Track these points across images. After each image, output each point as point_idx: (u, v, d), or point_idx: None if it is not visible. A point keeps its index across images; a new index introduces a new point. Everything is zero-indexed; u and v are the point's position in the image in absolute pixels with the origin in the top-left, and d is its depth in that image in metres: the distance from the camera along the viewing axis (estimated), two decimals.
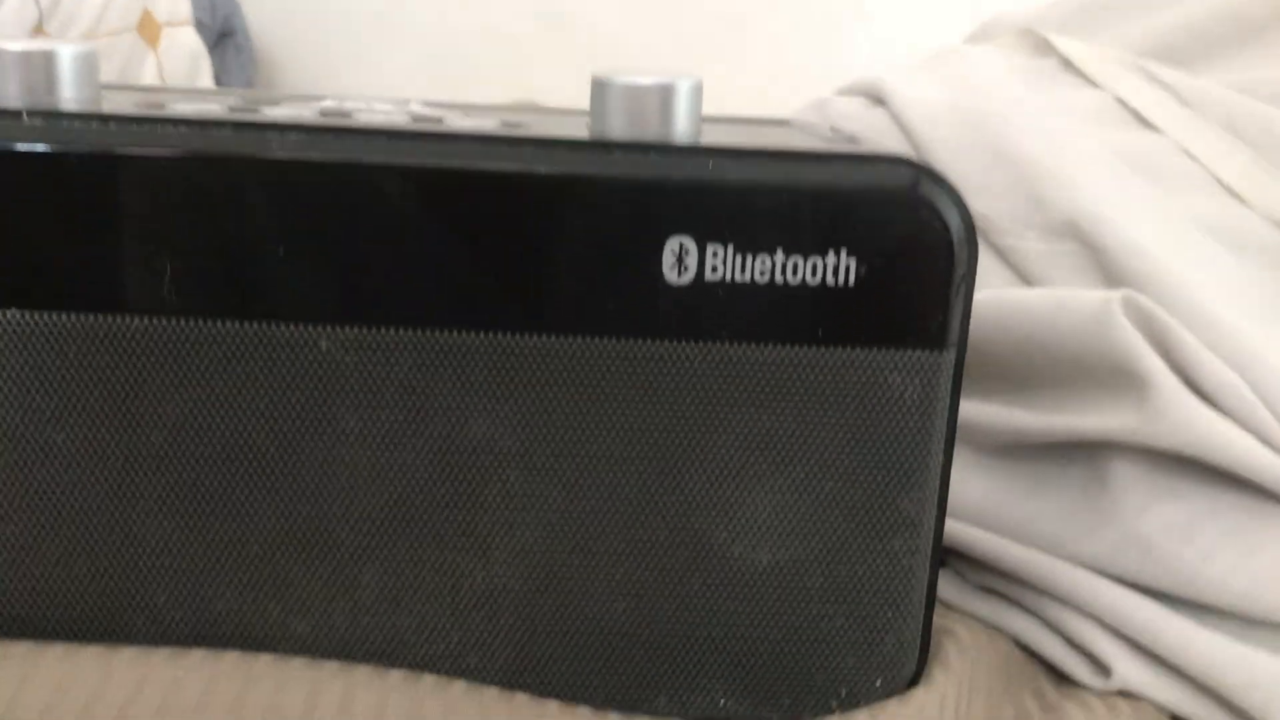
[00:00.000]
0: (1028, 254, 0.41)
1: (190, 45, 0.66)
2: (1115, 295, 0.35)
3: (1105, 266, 0.39)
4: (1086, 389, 0.36)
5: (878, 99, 0.53)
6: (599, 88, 0.30)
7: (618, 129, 0.30)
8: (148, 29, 0.58)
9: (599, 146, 0.28)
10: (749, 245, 0.28)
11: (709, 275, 0.28)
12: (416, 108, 0.32)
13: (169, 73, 0.63)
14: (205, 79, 0.71)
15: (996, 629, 0.36)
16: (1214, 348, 0.34)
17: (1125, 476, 0.35)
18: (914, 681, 0.31)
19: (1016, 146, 0.44)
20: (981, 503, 0.37)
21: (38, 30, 0.49)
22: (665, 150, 0.28)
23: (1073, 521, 0.36)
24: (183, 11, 0.66)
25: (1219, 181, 0.43)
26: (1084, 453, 0.36)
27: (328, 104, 0.31)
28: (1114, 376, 0.35)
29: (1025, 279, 0.41)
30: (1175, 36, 0.51)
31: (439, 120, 0.30)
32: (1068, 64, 0.52)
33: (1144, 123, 0.47)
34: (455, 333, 0.28)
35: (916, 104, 0.49)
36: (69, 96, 0.30)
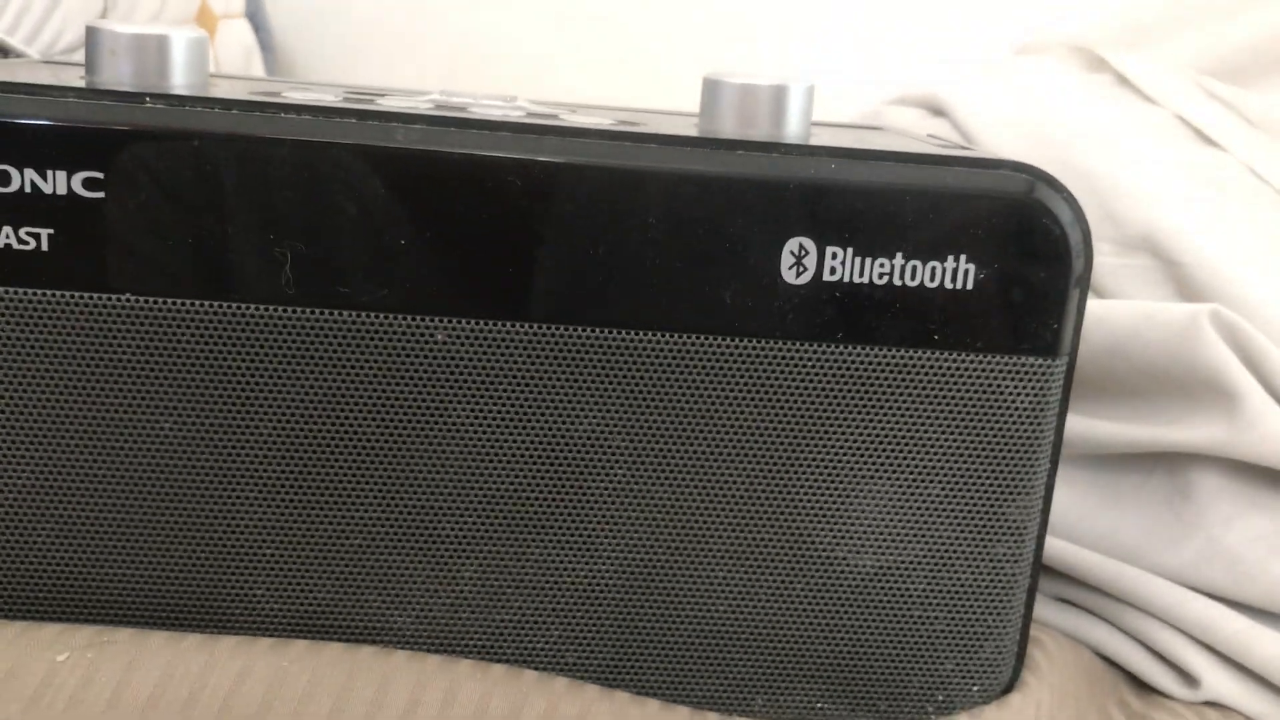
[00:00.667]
0: (1101, 267, 0.41)
1: (244, 38, 0.66)
2: (1203, 309, 0.35)
3: (1180, 280, 0.40)
4: (1171, 400, 0.36)
5: (937, 110, 0.53)
6: (711, 87, 0.30)
7: (730, 129, 0.30)
8: (205, 20, 0.58)
9: (722, 145, 0.28)
10: (868, 247, 0.28)
11: (827, 276, 0.28)
12: (526, 104, 0.32)
13: (225, 64, 0.62)
14: (258, 72, 0.70)
15: (1075, 639, 0.36)
16: None
17: (1210, 488, 0.35)
18: (1009, 688, 0.31)
19: (1087, 159, 0.44)
20: (1061, 513, 0.37)
21: (104, 17, 0.49)
22: (786, 150, 0.28)
23: (1155, 533, 0.36)
24: (236, 4, 0.66)
25: None
26: (1166, 464, 0.36)
27: (437, 97, 0.31)
28: (1200, 389, 0.35)
29: (1098, 292, 0.42)
30: (1234, 55, 0.51)
31: (555, 116, 0.30)
32: (1123, 80, 0.52)
33: (1205, 139, 0.47)
34: (570, 328, 0.28)
35: (981, 116, 0.49)
36: (180, 82, 0.29)
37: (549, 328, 0.28)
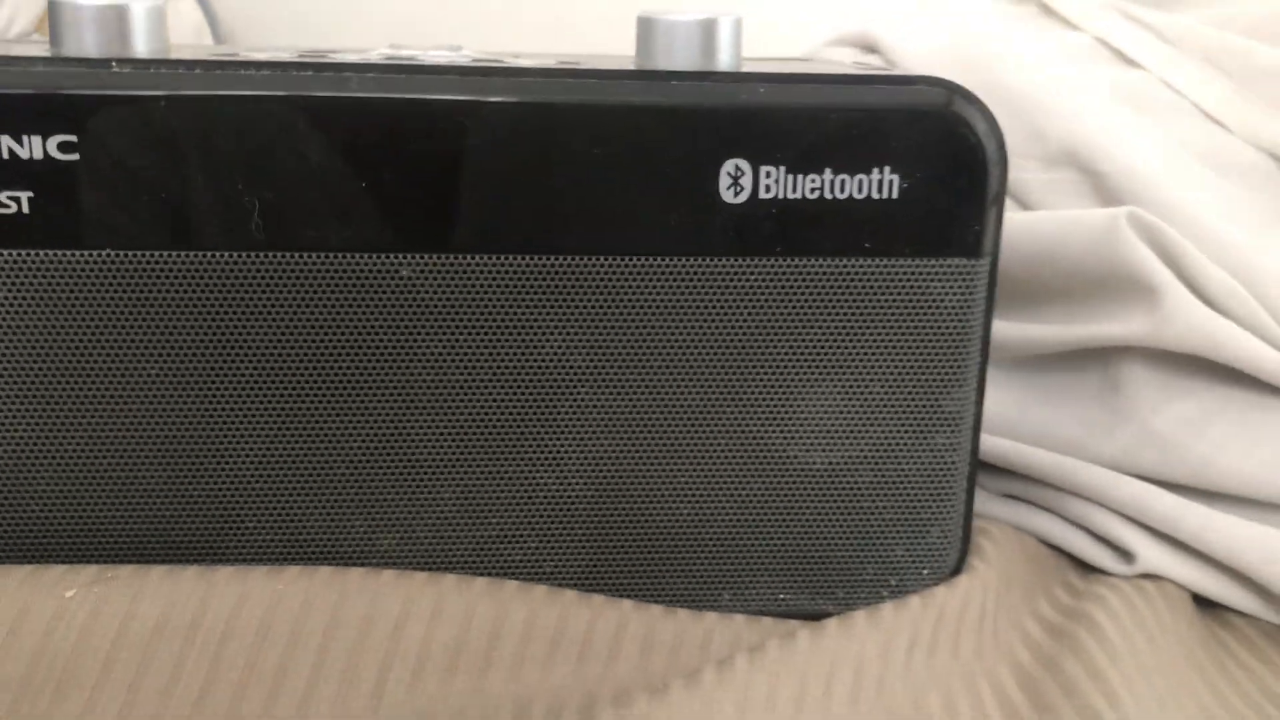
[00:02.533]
0: (1030, 183, 0.43)
1: (194, 17, 0.67)
2: (1121, 211, 0.37)
3: (1104, 190, 0.42)
4: (1097, 300, 0.38)
5: (870, 48, 0.55)
6: (645, 24, 0.32)
7: (664, 63, 0.32)
8: None
9: (658, 76, 0.30)
10: (799, 165, 0.30)
11: (763, 194, 0.30)
12: (471, 52, 0.33)
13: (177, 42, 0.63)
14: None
15: (1021, 529, 0.39)
16: (1214, 258, 0.37)
17: (1138, 379, 0.37)
18: (957, 571, 0.34)
19: (1012, 84, 0.46)
20: (1002, 413, 0.40)
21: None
22: (719, 78, 0.30)
23: (1090, 424, 0.38)
24: None
25: (1201, 110, 0.46)
26: (1097, 360, 0.39)
27: (386, 50, 0.33)
28: (1123, 287, 0.37)
29: (1028, 207, 0.44)
30: None
31: (499, 61, 0.31)
32: (1047, 9, 0.54)
33: (1126, 60, 0.49)
34: (527, 257, 0.30)
35: (911, 49, 0.51)
36: (142, 48, 0.31)
37: (507, 258, 0.30)
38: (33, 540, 0.31)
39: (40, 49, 0.32)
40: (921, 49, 0.50)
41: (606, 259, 0.30)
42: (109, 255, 0.29)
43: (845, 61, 0.53)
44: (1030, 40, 0.50)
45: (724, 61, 0.32)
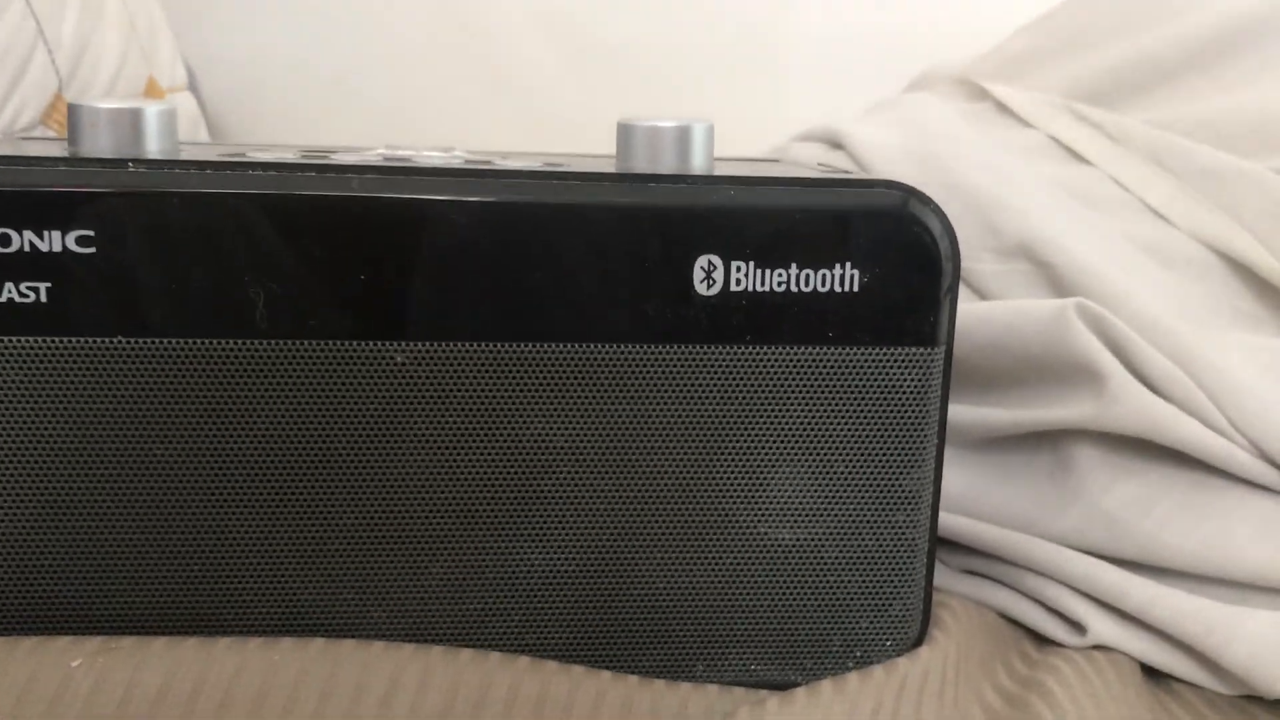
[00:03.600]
0: (984, 274, 0.46)
1: (190, 109, 0.69)
2: (1069, 302, 0.40)
3: (1055, 281, 0.44)
4: (1047, 385, 0.40)
5: (836, 143, 0.58)
6: (625, 130, 0.34)
7: (643, 165, 0.34)
8: (153, 94, 0.61)
9: (638, 179, 0.32)
10: (767, 260, 0.32)
11: (734, 287, 0.32)
12: (462, 153, 0.36)
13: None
14: (204, 138, 0.74)
15: (980, 603, 0.41)
16: (1157, 346, 0.39)
17: (1087, 460, 0.40)
18: (919, 642, 0.35)
19: (966, 179, 0.49)
20: (960, 493, 0.42)
21: (58, 95, 0.52)
22: (694, 181, 0.32)
23: (1042, 503, 0.40)
24: (181, 77, 0.69)
25: (1147, 206, 0.49)
26: (1048, 442, 0.41)
27: (383, 151, 0.35)
28: (1072, 373, 0.40)
29: (983, 296, 0.46)
30: (1098, 81, 0.57)
31: (489, 162, 0.34)
32: (1003, 107, 0.58)
33: (1076, 157, 0.53)
34: (514, 344, 0.32)
35: (873, 146, 0.54)
36: (154, 148, 0.33)
37: (496, 345, 0.32)
38: (40, 612, 0.32)
39: (57, 146, 0.35)
40: (883, 147, 0.53)
41: (588, 345, 0.32)
42: (121, 342, 0.31)
43: (811, 158, 0.56)
44: (986, 139, 0.53)
45: (698, 165, 0.34)
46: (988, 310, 0.42)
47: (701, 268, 0.32)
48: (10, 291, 0.30)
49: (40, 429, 0.31)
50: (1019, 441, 0.42)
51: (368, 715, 0.31)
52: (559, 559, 0.33)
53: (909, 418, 0.33)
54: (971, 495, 0.42)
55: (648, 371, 0.32)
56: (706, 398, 0.33)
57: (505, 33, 1.13)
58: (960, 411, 0.42)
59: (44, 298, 0.31)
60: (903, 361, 0.33)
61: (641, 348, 0.32)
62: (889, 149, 0.54)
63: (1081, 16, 0.61)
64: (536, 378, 0.32)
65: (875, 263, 0.32)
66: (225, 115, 0.99)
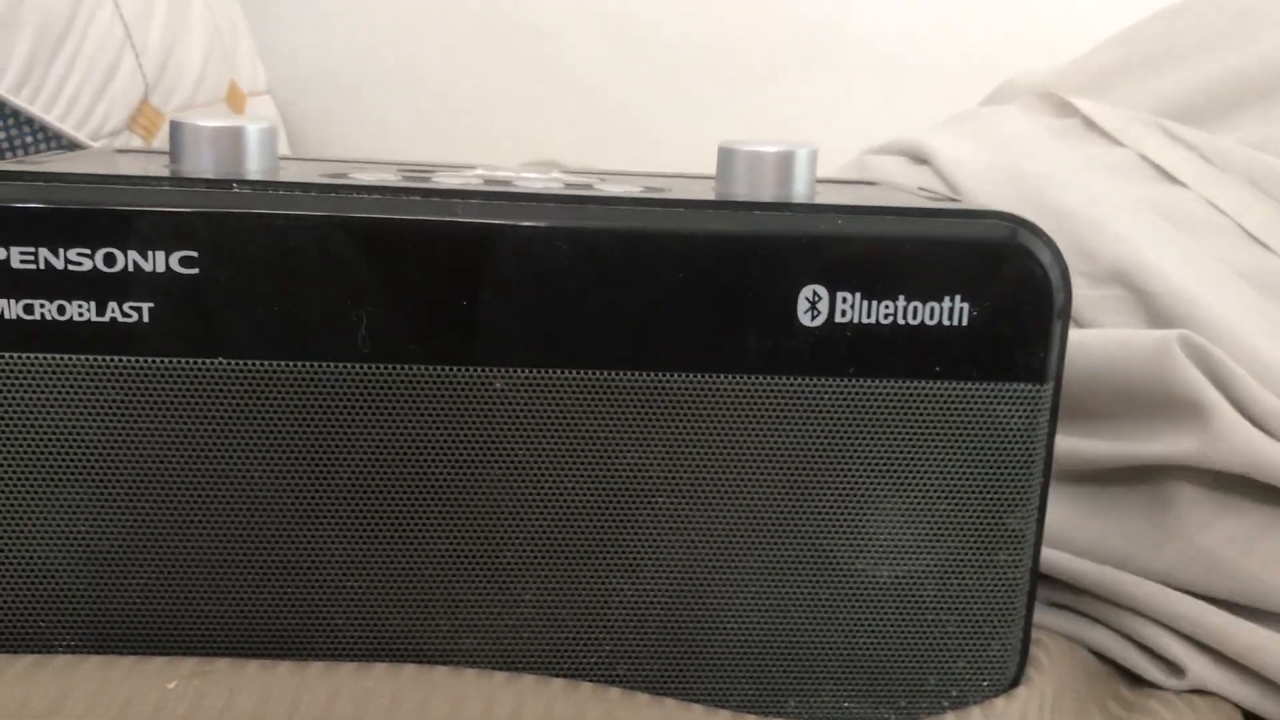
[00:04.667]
0: (1078, 300, 0.45)
1: (270, 113, 0.69)
2: (1173, 334, 0.39)
3: (1152, 309, 0.43)
4: (1148, 419, 0.39)
5: (919, 158, 0.57)
6: (726, 154, 0.34)
7: (744, 191, 0.34)
8: (235, 99, 0.61)
9: (741, 206, 0.32)
10: (874, 292, 0.31)
11: (839, 318, 0.32)
12: (561, 175, 0.35)
13: None
14: (284, 145, 0.74)
15: (1072, 640, 0.40)
16: (1260, 379, 0.38)
17: (1186, 496, 0.39)
18: (1015, 682, 0.35)
19: (1058, 201, 0.48)
20: (1054, 525, 0.41)
21: (144, 101, 0.52)
22: (799, 209, 0.32)
23: (1138, 539, 0.39)
24: (262, 80, 0.69)
25: (1244, 231, 0.48)
26: (1146, 477, 0.40)
27: (482, 172, 0.35)
28: (1173, 407, 0.38)
29: (1076, 322, 0.45)
30: (1189, 98, 0.56)
31: (589, 186, 0.33)
32: (1090, 124, 0.56)
33: (1168, 178, 0.51)
34: (614, 373, 0.31)
35: (960, 163, 0.53)
36: (255, 167, 0.33)
37: (595, 373, 0.31)
38: (136, 631, 0.32)
39: (156, 163, 0.35)
40: (971, 164, 0.52)
41: (688, 375, 0.32)
42: (222, 364, 0.31)
43: (897, 175, 0.56)
44: (1076, 158, 0.52)
45: (800, 191, 0.34)
46: (1086, 339, 0.41)
47: (806, 298, 0.31)
48: (114, 311, 0.30)
49: (140, 448, 0.31)
50: (1115, 475, 0.41)
51: None
52: (651, 589, 0.33)
53: (1015, 455, 0.33)
54: (1065, 528, 0.41)
55: (748, 403, 0.32)
56: (807, 431, 0.32)
57: (566, 33, 1.12)
58: (1057, 443, 0.41)
59: (146, 318, 0.30)
60: (1011, 398, 0.32)
61: (742, 379, 0.32)
62: (976, 165, 0.53)
63: (1169, 31, 0.59)
64: (634, 407, 0.32)
65: (985, 296, 0.32)
66: (296, 116, 1.00)
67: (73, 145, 0.47)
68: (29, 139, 0.46)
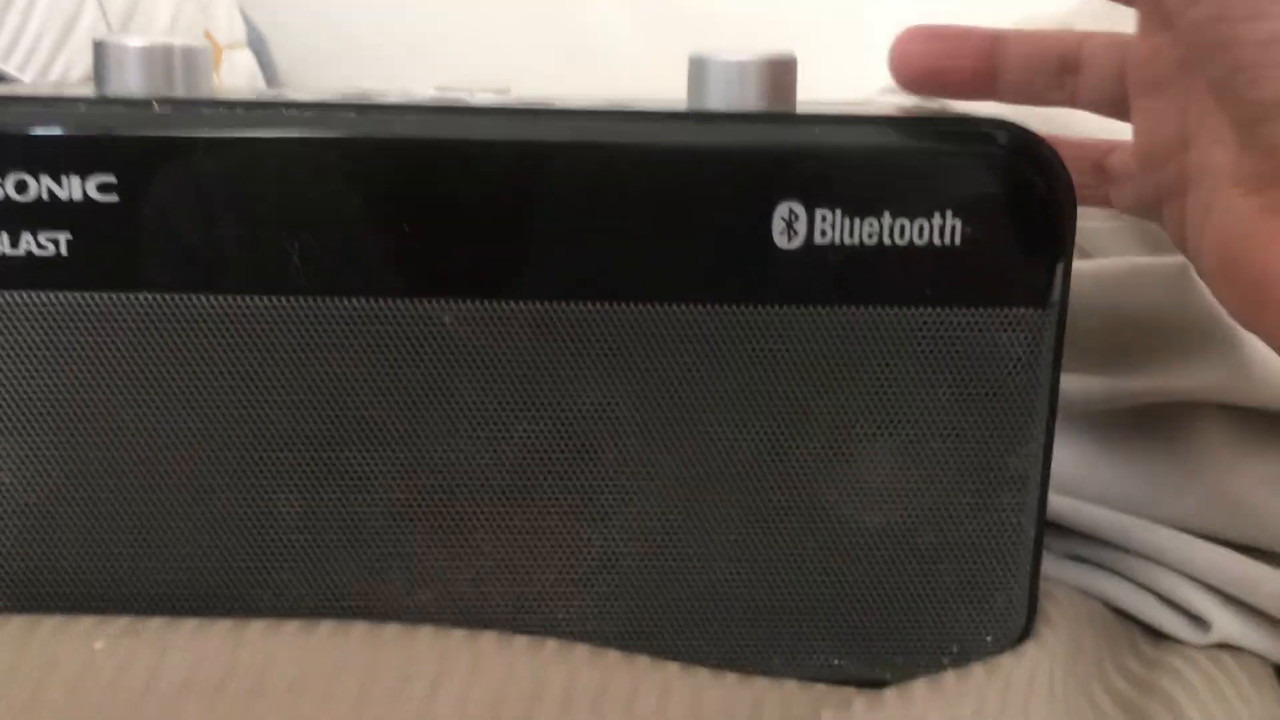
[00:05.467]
0: (1098, 232, 0.42)
1: (248, 66, 0.67)
2: None
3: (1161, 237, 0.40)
4: (1168, 351, 0.36)
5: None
6: (697, 65, 0.31)
7: (718, 104, 0.31)
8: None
9: (708, 117, 0.29)
10: (857, 209, 0.29)
11: (818, 239, 0.29)
12: (518, 94, 0.33)
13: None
14: None
15: (1086, 593, 0.37)
16: None
17: (1211, 436, 0.36)
18: (1023, 638, 0.32)
19: (1072, 129, 0.45)
20: (1065, 470, 0.38)
21: None
22: (774, 119, 0.29)
23: (1157, 484, 0.36)
24: (239, 33, 0.67)
25: None
26: (1166, 416, 0.37)
27: (433, 92, 0.32)
28: (1195, 336, 0.35)
29: (1088, 253, 0.42)
30: None
31: (548, 103, 0.31)
32: None
33: None
34: (570, 304, 0.29)
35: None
36: (185, 91, 0.30)
37: (551, 304, 0.29)
38: (63, 590, 0.30)
39: (85, 90, 0.32)
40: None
41: (654, 305, 0.29)
42: (145, 299, 0.28)
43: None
44: None
45: (778, 103, 0.31)
46: (1098, 269, 0.38)
47: (782, 218, 0.29)
48: (29, 243, 0.28)
49: (61, 392, 0.29)
50: (1131, 414, 0.38)
51: (412, 706, 0.28)
52: (621, 540, 0.30)
53: (1016, 388, 0.30)
54: (1076, 474, 0.38)
55: (720, 335, 0.29)
56: (786, 365, 0.29)
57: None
58: (1065, 380, 0.38)
59: (64, 250, 0.28)
60: (1010, 324, 0.29)
61: (713, 308, 0.29)
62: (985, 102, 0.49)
63: None
64: (596, 342, 0.29)
65: (980, 211, 0.29)
66: (294, 70, 0.97)
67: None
68: None
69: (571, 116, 0.29)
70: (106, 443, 0.29)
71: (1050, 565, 0.38)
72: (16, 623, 0.29)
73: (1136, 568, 0.36)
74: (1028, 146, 0.29)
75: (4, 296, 0.28)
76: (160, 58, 0.30)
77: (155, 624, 0.29)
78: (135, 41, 0.30)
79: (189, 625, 0.29)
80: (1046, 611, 0.33)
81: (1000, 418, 0.30)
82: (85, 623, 0.29)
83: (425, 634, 0.30)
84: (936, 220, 0.29)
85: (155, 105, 0.28)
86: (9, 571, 0.30)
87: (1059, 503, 0.38)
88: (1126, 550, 0.36)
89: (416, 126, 0.28)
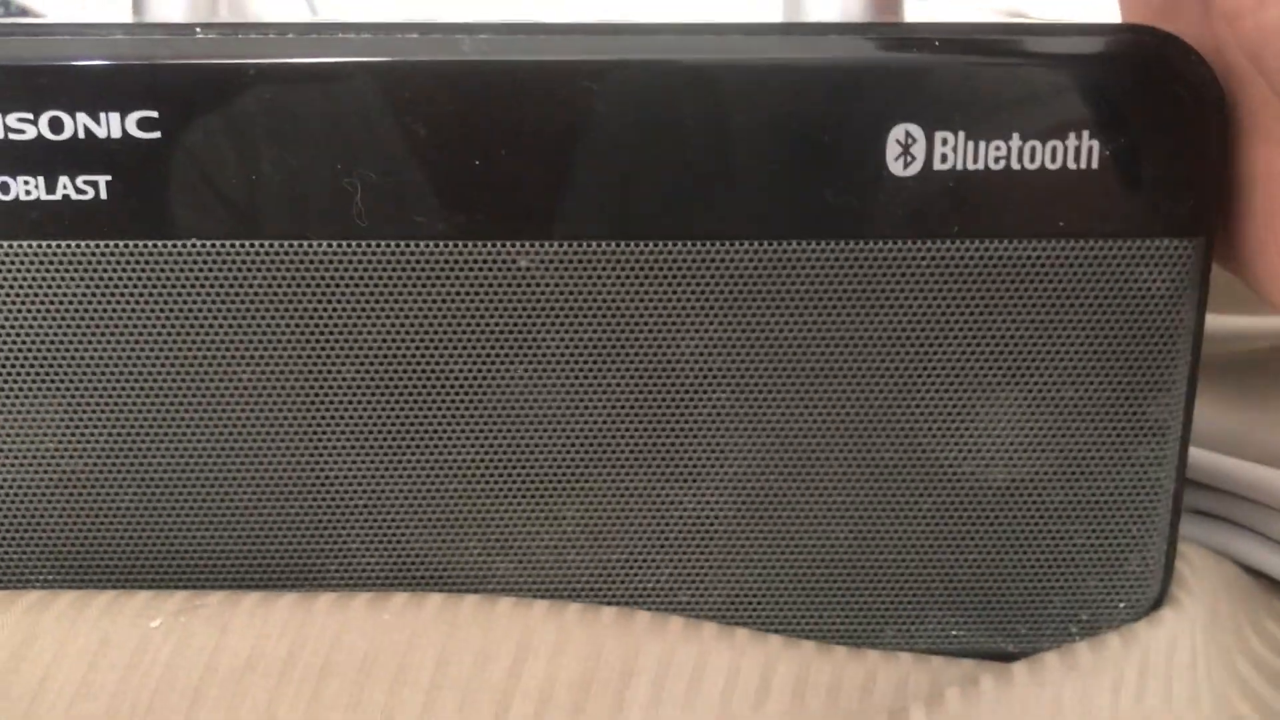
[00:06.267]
0: None
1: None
2: None
3: None
4: None
5: (1014, 11, 0.50)
6: None
7: (817, 14, 0.28)
8: None
9: (812, 30, 0.26)
10: (981, 130, 0.25)
11: (937, 165, 0.26)
12: (603, 13, 0.30)
13: None
14: None
15: (1218, 552, 0.34)
16: None
17: None
18: (1158, 604, 0.29)
19: None
20: (1196, 417, 0.35)
21: None
22: (885, 31, 0.26)
23: None
24: None
25: None
26: None
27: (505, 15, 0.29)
28: None
29: None
30: None
31: (631, 20, 0.28)
32: None
33: None
34: (660, 244, 0.26)
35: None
36: (230, 15, 0.28)
37: (638, 244, 0.26)
38: (117, 562, 0.28)
39: (123, 18, 0.29)
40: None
41: (752, 244, 0.26)
42: (195, 245, 0.26)
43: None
44: None
45: (885, 12, 0.27)
46: None
47: (897, 141, 0.25)
48: (66, 187, 0.26)
49: (105, 349, 0.26)
50: (1269, 356, 0.34)
51: (493, 686, 0.26)
52: (716, 500, 0.27)
53: (1158, 329, 0.27)
54: (1204, 420, 0.35)
55: (828, 274, 0.26)
56: (900, 307, 0.26)
57: None
58: None
59: (103, 193, 0.26)
60: (1153, 257, 0.26)
61: (820, 245, 0.26)
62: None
63: None
64: (689, 284, 0.26)
65: (1121, 131, 0.25)
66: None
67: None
68: None
69: (657, 32, 0.26)
70: (156, 403, 0.27)
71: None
72: (66, 599, 0.27)
73: (1273, 523, 0.33)
74: (1174, 56, 0.25)
75: (41, 246, 0.26)
76: None
77: (214, 599, 0.27)
78: None
79: (250, 600, 0.27)
80: (1182, 574, 0.30)
81: (1140, 362, 0.27)
82: (139, 598, 0.27)
83: (505, 607, 0.27)
84: (1071, 141, 0.25)
85: (199, 31, 0.25)
86: (57, 544, 0.28)
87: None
88: (1263, 504, 0.33)
89: (486, 48, 0.25)
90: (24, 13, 0.43)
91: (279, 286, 0.26)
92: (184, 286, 0.26)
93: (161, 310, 0.26)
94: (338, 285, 0.26)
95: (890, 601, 0.28)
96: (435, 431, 0.27)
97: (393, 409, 0.27)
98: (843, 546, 0.28)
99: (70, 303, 0.26)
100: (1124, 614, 0.29)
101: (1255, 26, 0.23)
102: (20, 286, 0.26)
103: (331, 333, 0.26)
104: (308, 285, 0.26)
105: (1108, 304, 0.26)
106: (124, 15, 0.30)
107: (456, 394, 0.27)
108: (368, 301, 0.26)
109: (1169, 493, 0.28)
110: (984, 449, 0.27)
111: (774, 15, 0.30)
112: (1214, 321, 0.35)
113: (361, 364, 0.26)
